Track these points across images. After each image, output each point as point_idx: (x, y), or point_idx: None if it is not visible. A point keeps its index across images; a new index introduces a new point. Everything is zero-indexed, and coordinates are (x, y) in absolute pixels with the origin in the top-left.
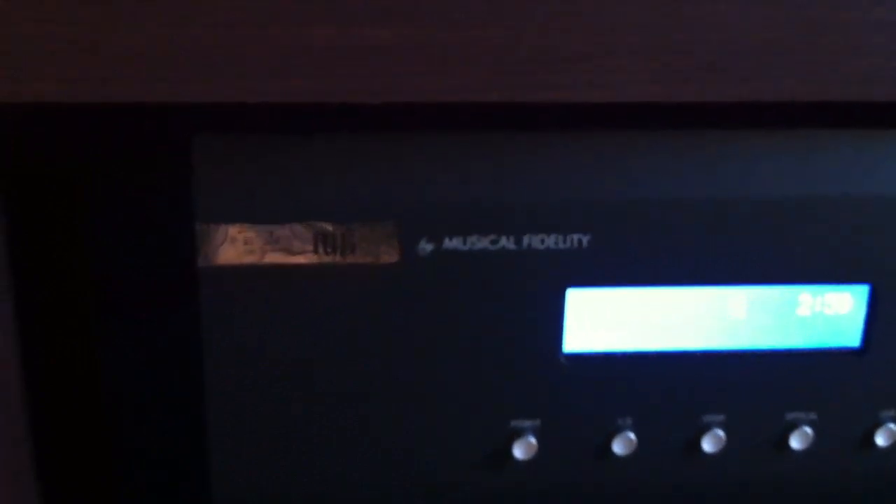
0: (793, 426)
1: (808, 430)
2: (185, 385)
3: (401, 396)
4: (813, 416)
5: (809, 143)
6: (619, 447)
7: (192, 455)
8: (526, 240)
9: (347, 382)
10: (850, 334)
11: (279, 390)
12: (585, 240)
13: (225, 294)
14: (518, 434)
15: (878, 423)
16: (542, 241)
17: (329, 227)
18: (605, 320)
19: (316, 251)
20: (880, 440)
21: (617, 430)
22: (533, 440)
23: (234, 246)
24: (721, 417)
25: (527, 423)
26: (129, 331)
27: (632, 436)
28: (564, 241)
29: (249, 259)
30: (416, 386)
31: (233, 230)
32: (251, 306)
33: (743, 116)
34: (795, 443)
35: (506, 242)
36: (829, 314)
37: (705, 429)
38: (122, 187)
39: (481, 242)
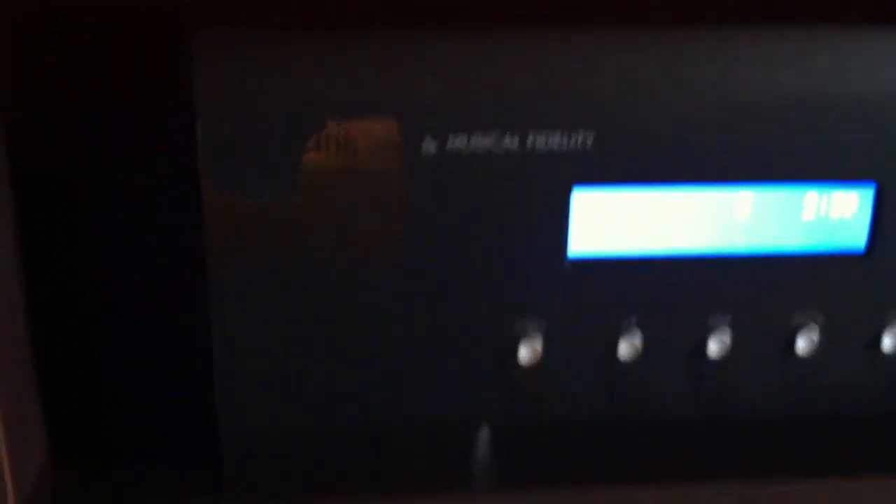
0: (799, 329)
1: (814, 333)
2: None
3: (404, 301)
4: (819, 319)
5: (817, 39)
6: (624, 350)
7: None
8: (530, 138)
9: (350, 288)
10: (855, 237)
11: (282, 296)
12: (590, 139)
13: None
14: (523, 338)
15: (884, 327)
16: (547, 140)
17: (330, 126)
18: (610, 222)
19: (318, 152)
20: (887, 344)
21: (622, 333)
22: (538, 344)
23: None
24: (727, 320)
25: (532, 327)
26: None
27: (637, 339)
28: (569, 140)
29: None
30: (420, 290)
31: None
32: (253, 209)
33: (750, 10)
34: (801, 346)
35: (510, 141)
36: (835, 217)
37: (711, 332)
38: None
39: (485, 141)
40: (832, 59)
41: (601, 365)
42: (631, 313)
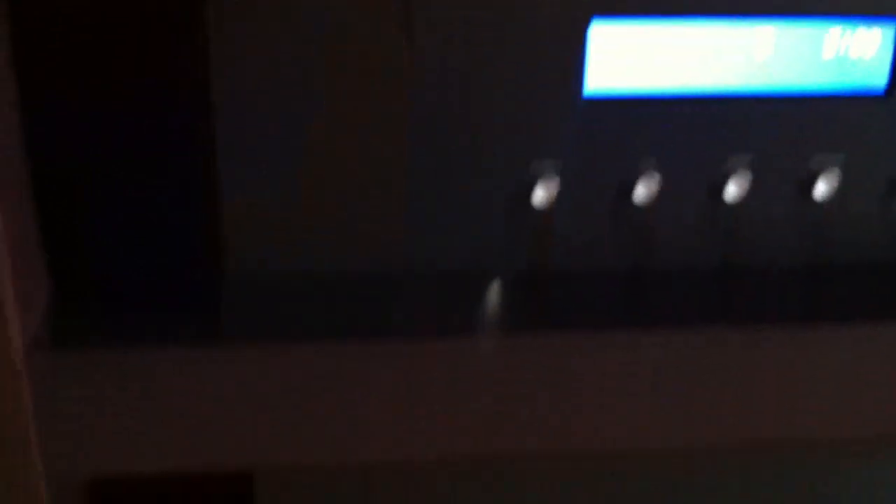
0: (818, 171)
1: (834, 175)
2: None
3: (415, 142)
4: (839, 161)
5: None
6: (641, 192)
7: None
8: None
9: (359, 127)
10: (876, 78)
11: (290, 133)
12: None
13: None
14: (537, 180)
15: None
16: None
17: None
18: (628, 58)
19: None
20: None
21: (640, 174)
22: (553, 185)
23: None
24: (746, 161)
25: (547, 167)
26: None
27: (655, 180)
28: None
29: None
30: (431, 131)
31: None
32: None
33: None
34: (821, 188)
35: None
36: (855, 57)
37: (730, 172)
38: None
39: None
40: None
41: (617, 206)
42: (648, 154)
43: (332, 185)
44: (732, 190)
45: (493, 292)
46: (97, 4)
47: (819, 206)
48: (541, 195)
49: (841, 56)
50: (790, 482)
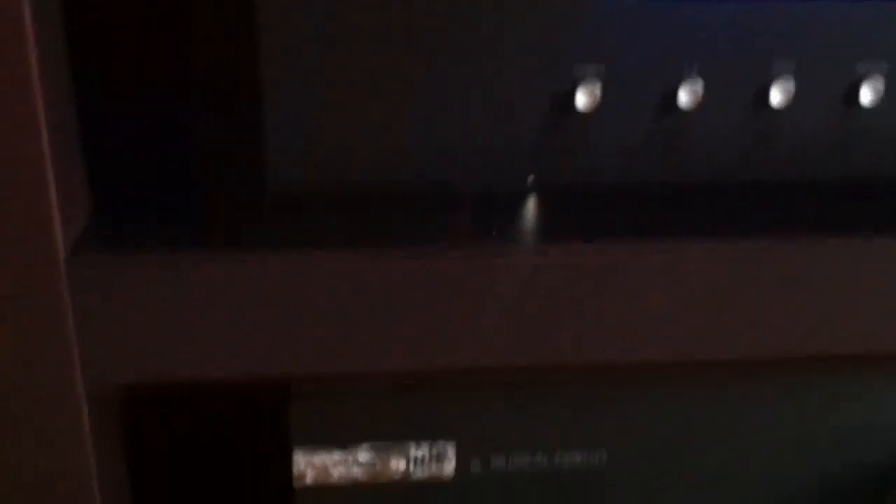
0: (863, 78)
1: (879, 82)
2: None
3: (453, 44)
4: (884, 67)
5: None
6: (684, 97)
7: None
8: None
9: (396, 31)
10: None
11: (329, 41)
12: None
13: None
14: (580, 82)
15: None
16: None
17: None
18: None
19: None
20: None
21: (683, 79)
22: (596, 89)
23: None
24: (791, 67)
25: (590, 71)
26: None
27: (698, 85)
28: None
29: None
30: (468, 33)
31: None
32: None
33: None
34: (865, 95)
35: None
36: None
37: (774, 78)
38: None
39: None
40: None
41: (660, 112)
42: (693, 57)
43: (365, 101)
44: (778, 95)
45: (530, 204)
46: None
47: (863, 111)
48: (584, 97)
49: None
50: (825, 397)
